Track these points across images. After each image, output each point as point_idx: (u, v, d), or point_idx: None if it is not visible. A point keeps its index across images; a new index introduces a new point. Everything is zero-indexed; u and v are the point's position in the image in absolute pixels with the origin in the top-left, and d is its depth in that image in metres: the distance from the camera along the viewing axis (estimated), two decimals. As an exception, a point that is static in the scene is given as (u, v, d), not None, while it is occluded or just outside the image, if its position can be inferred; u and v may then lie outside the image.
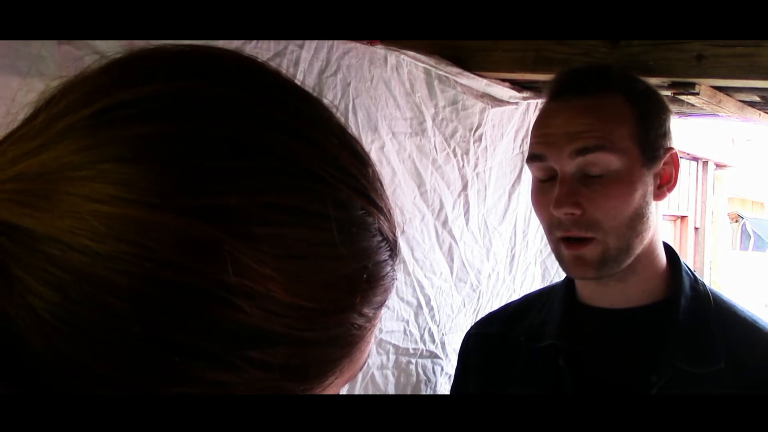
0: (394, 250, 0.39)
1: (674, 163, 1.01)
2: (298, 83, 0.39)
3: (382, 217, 0.38)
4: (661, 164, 0.99)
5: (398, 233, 0.40)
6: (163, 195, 0.31)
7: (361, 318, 0.37)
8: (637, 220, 0.96)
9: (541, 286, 1.47)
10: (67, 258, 0.31)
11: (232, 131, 0.33)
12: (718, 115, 2.01)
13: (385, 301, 0.39)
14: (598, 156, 0.93)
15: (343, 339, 0.37)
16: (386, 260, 0.38)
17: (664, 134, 1.00)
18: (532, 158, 0.99)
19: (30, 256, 0.31)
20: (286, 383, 0.35)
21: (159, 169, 0.31)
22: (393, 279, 0.39)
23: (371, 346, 0.41)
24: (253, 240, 0.32)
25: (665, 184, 1.01)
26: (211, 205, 0.32)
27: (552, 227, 0.97)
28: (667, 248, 1.05)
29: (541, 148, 0.97)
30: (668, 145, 1.00)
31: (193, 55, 0.37)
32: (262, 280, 0.32)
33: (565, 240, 0.96)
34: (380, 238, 0.37)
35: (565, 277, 1.10)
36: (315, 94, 0.39)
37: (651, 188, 0.98)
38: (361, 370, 0.41)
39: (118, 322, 0.31)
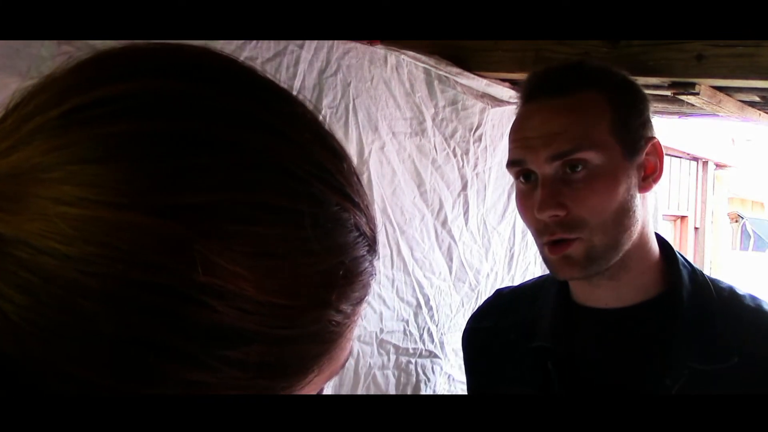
0: (372, 245, 0.39)
1: (658, 153, 1.00)
2: (272, 78, 0.38)
3: (358, 213, 0.37)
4: (644, 155, 0.98)
5: (376, 229, 0.40)
6: (131, 195, 0.31)
7: (339, 314, 0.36)
8: (623, 214, 0.95)
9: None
10: (36, 261, 0.30)
11: (202, 128, 0.33)
12: (718, 115, 2.01)
13: (364, 297, 0.39)
14: (576, 156, 0.92)
15: (321, 336, 0.36)
16: (364, 256, 0.37)
17: (644, 124, 0.99)
18: (512, 164, 0.98)
19: None
20: (264, 381, 0.35)
21: (127, 169, 0.31)
22: (371, 274, 0.39)
23: (352, 344, 0.41)
24: (224, 238, 0.32)
25: (650, 175, 0.99)
26: (181, 203, 0.31)
27: (538, 232, 0.96)
28: (661, 241, 1.04)
29: (519, 153, 0.96)
30: (649, 135, 0.99)
31: (161, 52, 0.36)
32: (233, 279, 0.32)
33: (549, 243, 0.95)
34: (357, 234, 0.37)
35: None
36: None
37: (635, 181, 0.97)
38: (343, 367, 0.40)
39: (89, 324, 0.31)
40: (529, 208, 0.96)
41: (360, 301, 0.38)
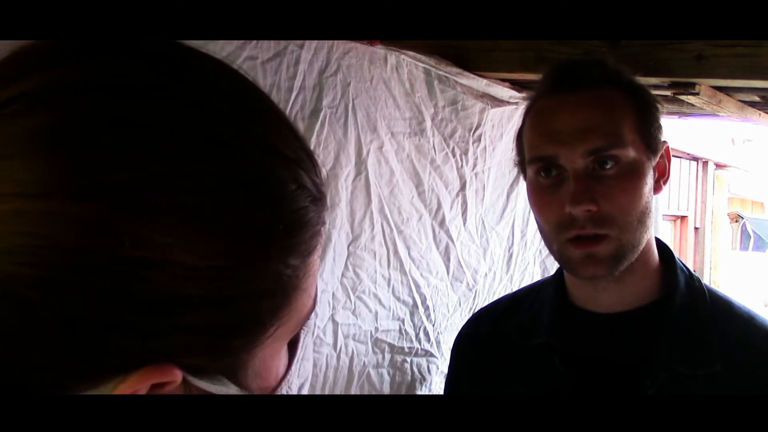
0: (316, 196, 0.39)
1: (667, 156, 1.00)
2: (183, 46, 0.39)
3: (295, 165, 0.38)
4: (658, 157, 0.98)
5: (321, 177, 0.40)
6: (48, 184, 0.32)
7: (287, 268, 0.37)
8: (646, 214, 0.95)
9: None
10: None
11: (111, 110, 0.34)
12: (718, 115, 2.01)
13: (314, 248, 0.39)
14: (611, 152, 0.92)
15: (272, 290, 0.37)
16: (306, 207, 0.38)
17: (660, 127, 0.99)
18: (539, 159, 0.96)
19: None
20: (223, 341, 0.35)
21: (42, 159, 0.32)
22: (319, 224, 0.39)
23: (317, 292, 0.41)
24: (148, 211, 0.32)
25: (661, 178, 1.00)
26: (99, 185, 0.32)
27: (561, 227, 0.94)
28: (660, 245, 1.04)
29: (550, 148, 0.93)
30: (663, 138, 1.00)
31: (67, 44, 0.37)
32: (166, 249, 0.32)
33: (575, 239, 0.93)
34: (294, 187, 0.37)
35: (554, 277, 1.08)
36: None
37: (653, 181, 0.97)
38: (308, 317, 0.41)
39: (33, 312, 0.32)
40: (553, 203, 0.94)
41: (310, 252, 0.39)
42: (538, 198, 0.97)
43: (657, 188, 0.98)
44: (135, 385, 0.33)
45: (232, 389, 0.37)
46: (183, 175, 0.34)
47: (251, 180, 0.36)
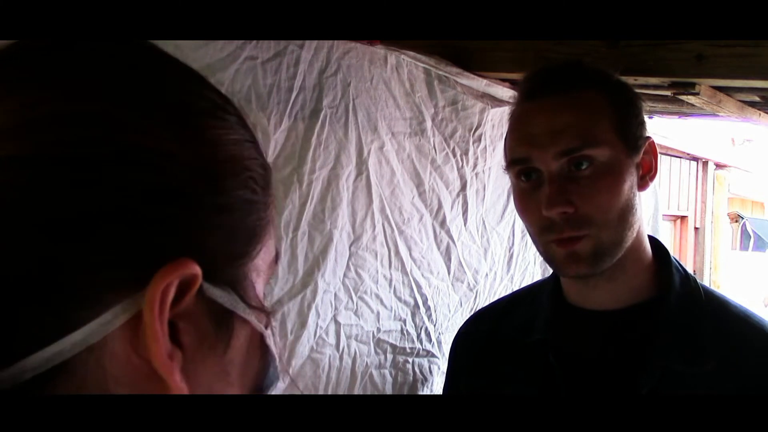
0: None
1: (653, 152, 1.01)
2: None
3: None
4: (642, 154, 0.98)
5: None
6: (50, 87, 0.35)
7: (257, 189, 0.41)
8: (628, 211, 0.95)
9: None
10: None
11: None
12: (718, 115, 2.01)
13: (269, 186, 0.43)
14: (584, 152, 0.93)
15: (257, 205, 0.40)
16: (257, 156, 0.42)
17: (641, 124, 1.00)
18: (515, 162, 0.97)
19: None
20: (230, 241, 0.38)
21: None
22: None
23: (277, 254, 0.44)
24: (149, 109, 0.36)
25: (647, 174, 1.00)
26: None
27: (543, 231, 0.95)
28: (654, 242, 1.04)
29: (524, 151, 0.95)
30: (646, 134, 1.00)
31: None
32: (170, 142, 0.36)
33: (557, 241, 0.94)
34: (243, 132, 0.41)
35: (552, 277, 1.09)
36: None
37: (635, 179, 0.98)
38: (271, 270, 0.43)
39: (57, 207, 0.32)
40: (532, 206, 0.95)
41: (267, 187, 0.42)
42: (520, 202, 0.99)
43: (643, 185, 0.99)
44: (161, 282, 0.34)
45: (239, 306, 0.39)
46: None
47: (226, 106, 0.41)
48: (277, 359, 0.43)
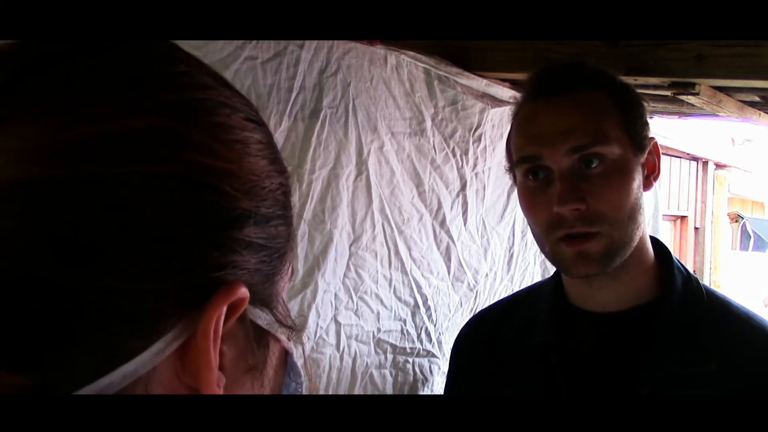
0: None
1: (656, 152, 1.01)
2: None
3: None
4: (646, 154, 0.99)
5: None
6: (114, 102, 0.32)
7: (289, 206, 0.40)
8: (636, 210, 0.96)
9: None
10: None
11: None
12: (718, 115, 2.01)
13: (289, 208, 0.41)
14: (595, 149, 0.93)
15: (289, 219, 0.39)
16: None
17: (646, 124, 1.00)
18: (524, 160, 0.97)
19: None
20: (273, 259, 0.37)
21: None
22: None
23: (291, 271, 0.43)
24: (210, 126, 0.34)
25: (651, 174, 1.01)
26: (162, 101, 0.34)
27: (552, 227, 0.95)
28: (657, 244, 1.04)
29: (534, 149, 0.95)
30: (650, 135, 1.01)
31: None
32: (230, 160, 0.34)
33: (566, 238, 0.94)
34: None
35: (553, 278, 1.09)
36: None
37: (641, 178, 0.98)
38: (284, 287, 0.42)
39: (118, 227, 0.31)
40: (542, 204, 0.95)
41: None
42: (528, 200, 0.98)
43: (647, 185, 0.99)
44: (217, 308, 0.33)
45: (274, 325, 0.38)
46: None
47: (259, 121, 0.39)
48: (303, 376, 0.42)
